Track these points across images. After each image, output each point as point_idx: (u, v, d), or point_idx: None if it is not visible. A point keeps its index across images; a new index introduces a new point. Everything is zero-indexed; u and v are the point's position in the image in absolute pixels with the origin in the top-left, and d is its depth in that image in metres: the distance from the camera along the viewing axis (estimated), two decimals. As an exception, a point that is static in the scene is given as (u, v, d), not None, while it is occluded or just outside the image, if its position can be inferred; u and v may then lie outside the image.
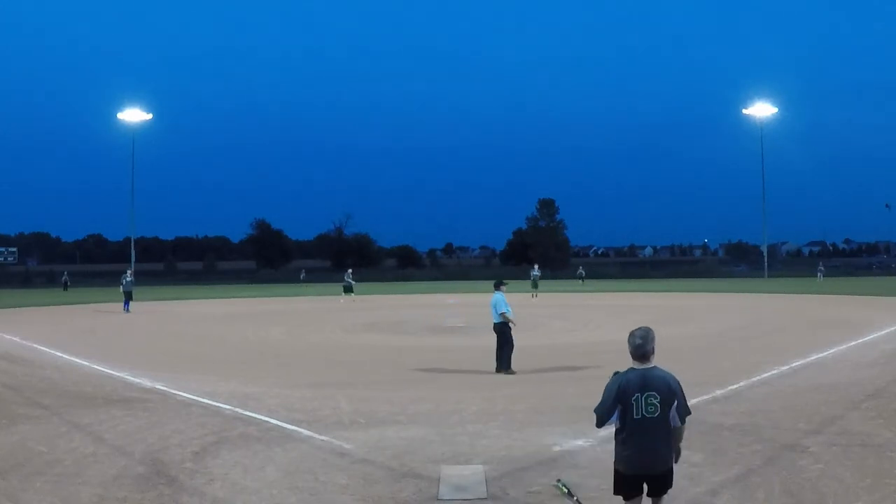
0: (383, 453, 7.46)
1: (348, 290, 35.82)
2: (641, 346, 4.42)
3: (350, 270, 38.66)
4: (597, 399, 4.50)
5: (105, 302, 36.58)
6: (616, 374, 4.50)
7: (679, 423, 4.46)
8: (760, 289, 43.59)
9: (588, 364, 13.82)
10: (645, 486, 4.47)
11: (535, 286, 39.29)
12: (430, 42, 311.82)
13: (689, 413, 4.55)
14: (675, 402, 4.39)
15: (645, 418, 4.31)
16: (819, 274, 56.25)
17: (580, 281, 39.14)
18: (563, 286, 48.57)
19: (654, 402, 4.31)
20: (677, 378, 4.48)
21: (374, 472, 6.86)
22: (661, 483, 4.48)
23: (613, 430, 4.50)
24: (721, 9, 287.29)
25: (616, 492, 4.55)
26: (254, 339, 19.58)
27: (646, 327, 4.53)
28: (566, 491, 5.88)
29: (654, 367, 4.43)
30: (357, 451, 7.59)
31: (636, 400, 4.31)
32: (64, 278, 58.04)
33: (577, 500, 5.70)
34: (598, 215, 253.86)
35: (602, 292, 42.79)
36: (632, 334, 4.48)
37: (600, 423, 4.53)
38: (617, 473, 4.51)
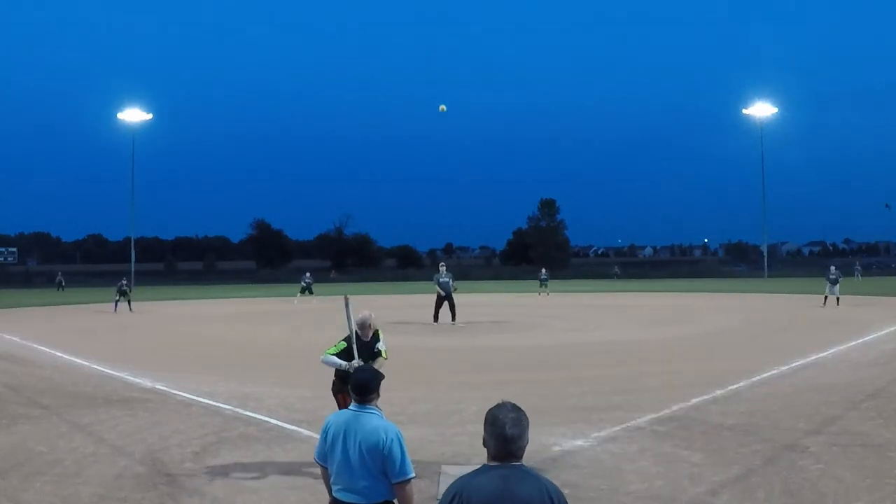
0: (383, 453, 7.44)
1: (304, 291, 36.51)
2: (515, 438, 2.60)
3: (308, 273, 39.41)
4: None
5: (105, 302, 36.58)
6: (457, 481, 2.68)
7: None
8: (760, 289, 43.58)
9: (588, 364, 13.82)
10: None
11: (543, 285, 41.21)
12: (430, 42, 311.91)
13: None
14: None
15: None
16: (856, 273, 52.90)
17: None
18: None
19: None
20: (560, 491, 2.65)
21: (374, 472, 6.85)
22: None
23: None
24: (721, 9, 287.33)
25: None
26: (254, 339, 19.58)
27: (513, 405, 2.68)
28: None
29: (522, 466, 2.63)
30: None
31: None
32: (58, 278, 57.50)
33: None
34: (598, 215, 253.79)
35: (602, 292, 42.81)
36: (494, 418, 2.64)
37: None
38: None
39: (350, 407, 3.94)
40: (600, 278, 67.97)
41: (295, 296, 36.93)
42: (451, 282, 22.36)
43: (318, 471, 4.86)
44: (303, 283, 37.29)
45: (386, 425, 3.82)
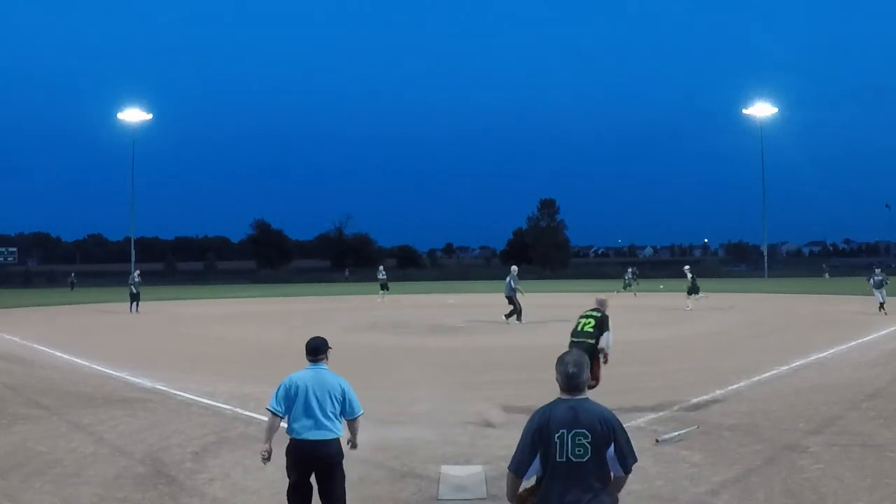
0: (383, 453, 7.46)
1: (384, 287, 35.89)
2: (575, 375, 3.59)
3: (381, 267, 39.02)
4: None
5: (106, 302, 36.59)
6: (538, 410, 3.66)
7: (622, 473, 3.55)
8: (760, 289, 43.57)
9: (588, 364, 13.82)
10: None
11: (630, 283, 40.19)
12: (429, 41, 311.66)
13: (636, 460, 3.61)
14: (612, 444, 3.49)
15: (571, 462, 3.45)
16: (826, 273, 57.06)
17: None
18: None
19: (584, 441, 3.44)
20: (618, 417, 3.62)
21: (374, 472, 6.87)
22: None
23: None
24: (721, 9, 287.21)
25: None
26: (254, 339, 19.58)
27: (578, 352, 3.89)
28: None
29: (587, 399, 3.61)
30: (357, 451, 7.58)
31: (560, 438, 3.46)
32: (71, 278, 57.29)
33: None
34: (598, 215, 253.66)
35: (602, 292, 42.79)
36: (562, 361, 3.67)
37: (519, 476, 3.60)
38: None
39: (308, 367, 5.13)
40: (600, 278, 67.90)
41: (377, 293, 35.72)
42: (510, 284, 22.24)
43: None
44: (381, 278, 36.39)
45: (339, 377, 5.12)
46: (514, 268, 23.40)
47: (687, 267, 30.44)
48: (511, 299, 22.21)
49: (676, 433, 7.48)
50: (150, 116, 62.87)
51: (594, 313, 9.67)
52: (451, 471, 6.78)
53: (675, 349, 16.03)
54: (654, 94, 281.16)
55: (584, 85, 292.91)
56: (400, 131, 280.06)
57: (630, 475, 3.61)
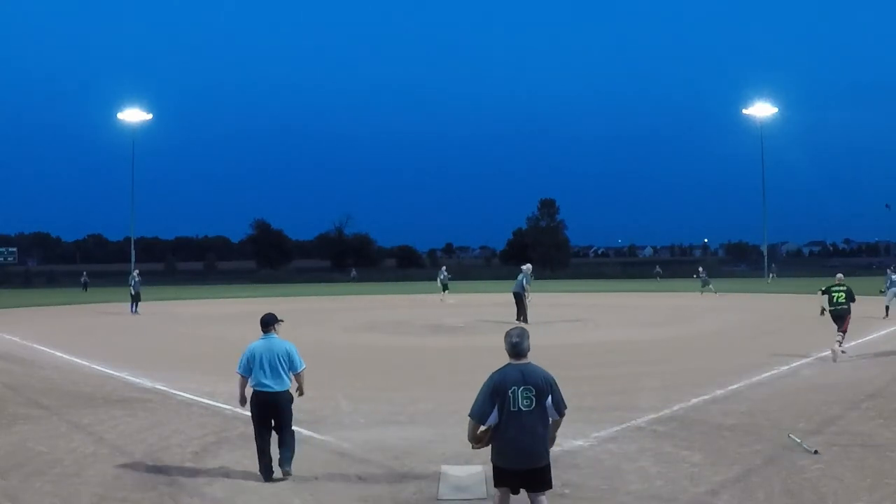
0: (383, 453, 7.47)
1: (445, 287, 35.75)
2: (518, 344, 4.71)
3: (444, 268, 38.79)
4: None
5: (106, 302, 36.57)
6: (492, 374, 4.73)
7: (557, 416, 4.74)
8: (760, 289, 43.55)
9: (588, 364, 13.80)
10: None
11: (705, 285, 39.15)
12: (429, 42, 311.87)
13: (566, 407, 4.75)
14: (550, 395, 4.63)
15: (521, 411, 4.56)
16: (771, 275, 55.99)
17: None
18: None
19: (530, 395, 4.56)
20: (552, 375, 4.76)
21: (374, 472, 6.87)
22: (539, 480, 4.67)
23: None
24: (721, 8, 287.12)
25: (497, 485, 4.81)
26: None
27: (521, 328, 4.86)
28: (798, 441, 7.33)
29: (530, 363, 4.72)
30: (357, 451, 7.60)
31: (513, 392, 4.57)
32: (83, 279, 57.09)
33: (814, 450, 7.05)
34: (598, 215, 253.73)
35: (602, 292, 42.77)
36: (508, 334, 4.78)
37: (481, 422, 4.65)
38: (495, 468, 4.75)
39: (261, 337, 6.94)
40: (600, 278, 67.92)
41: (439, 293, 35.64)
42: (522, 282, 21.77)
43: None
44: (442, 279, 36.18)
45: (285, 342, 6.85)
46: (529, 266, 22.79)
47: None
48: (519, 298, 21.77)
49: (803, 443, 7.34)
50: (150, 116, 62.69)
51: (841, 287, 13.37)
52: (451, 471, 6.78)
53: (675, 349, 16.02)
54: (654, 94, 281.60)
55: (584, 85, 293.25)
56: (400, 131, 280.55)
57: (563, 419, 4.80)
